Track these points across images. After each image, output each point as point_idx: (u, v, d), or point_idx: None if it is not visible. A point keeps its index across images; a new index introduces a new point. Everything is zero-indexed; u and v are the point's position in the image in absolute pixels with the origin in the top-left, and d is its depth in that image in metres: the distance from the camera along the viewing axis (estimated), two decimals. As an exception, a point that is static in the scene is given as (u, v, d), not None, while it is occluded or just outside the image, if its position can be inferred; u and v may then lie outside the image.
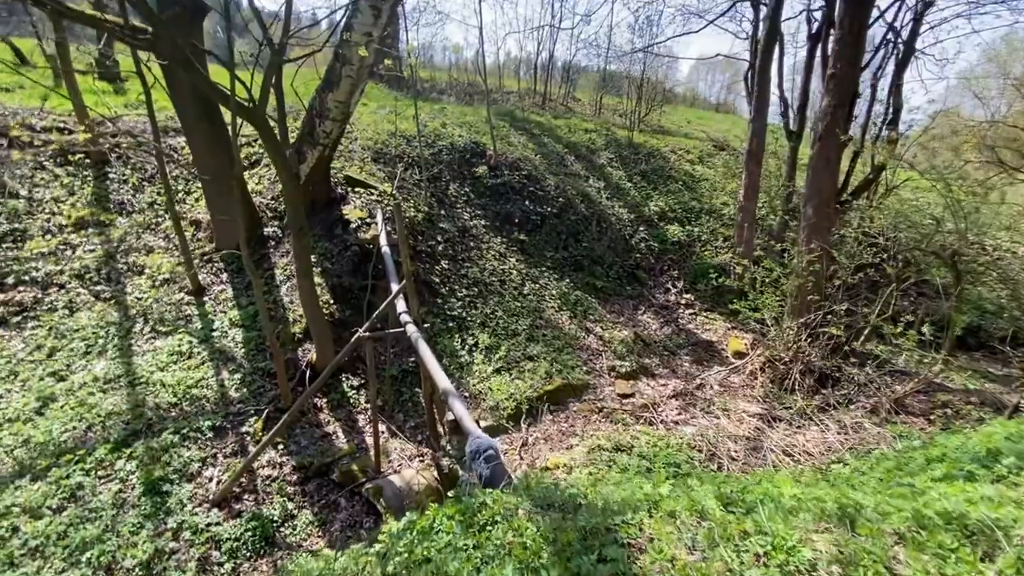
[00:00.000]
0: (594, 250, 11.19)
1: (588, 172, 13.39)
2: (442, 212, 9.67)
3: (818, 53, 11.49)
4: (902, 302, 8.75)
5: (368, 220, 7.83)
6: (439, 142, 11.21)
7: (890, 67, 11.66)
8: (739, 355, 9.29)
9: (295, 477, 5.28)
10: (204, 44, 7.45)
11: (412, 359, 7.06)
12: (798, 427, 6.86)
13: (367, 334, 4.67)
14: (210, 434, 5.49)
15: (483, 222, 10.27)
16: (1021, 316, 9.25)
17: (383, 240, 6.95)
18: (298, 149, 7.14)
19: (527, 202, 11.14)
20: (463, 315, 7.99)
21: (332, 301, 7.13)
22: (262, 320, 5.69)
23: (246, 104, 4.83)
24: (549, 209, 11.33)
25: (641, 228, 12.14)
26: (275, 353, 5.64)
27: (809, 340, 7.80)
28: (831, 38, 9.91)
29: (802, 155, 12.34)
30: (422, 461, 5.56)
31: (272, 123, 5.32)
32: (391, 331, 4.84)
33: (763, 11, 11.48)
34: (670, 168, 14.68)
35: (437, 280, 8.22)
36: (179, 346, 6.53)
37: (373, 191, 8.47)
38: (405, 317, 4.91)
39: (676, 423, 7.12)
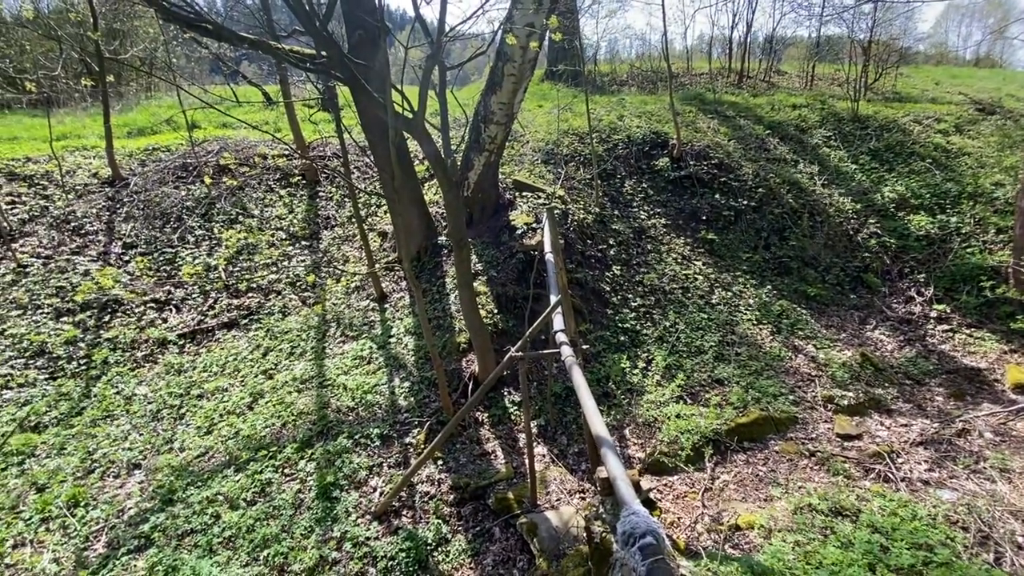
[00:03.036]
0: (805, 249, 9.26)
1: (797, 155, 11.24)
2: (616, 212, 8.88)
3: None
4: None
5: (534, 225, 7.47)
6: (614, 136, 10.41)
7: None
8: (1022, 389, 6.73)
9: (451, 497, 5.09)
10: (388, 63, 7.88)
11: (578, 376, 6.47)
12: None
13: (519, 354, 4.21)
14: (378, 442, 5.62)
15: (663, 221, 9.20)
16: None
17: (547, 246, 6.48)
18: (465, 157, 7.08)
19: (717, 195, 9.71)
20: (637, 328, 7.13)
21: (496, 311, 6.92)
22: (423, 329, 5.65)
23: (405, 114, 4.75)
24: (745, 202, 9.72)
25: (871, 220, 9.71)
26: (436, 363, 5.55)
27: None
28: None
29: None
30: (583, 499, 4.93)
31: (436, 134, 5.21)
32: (543, 352, 4.30)
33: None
34: (912, 142, 11.56)
35: (607, 288, 7.49)
36: (362, 351, 6.93)
37: (541, 194, 8.11)
38: (561, 336, 4.33)
39: (926, 483, 5.29)
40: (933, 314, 8.37)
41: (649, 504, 4.26)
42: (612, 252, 8.10)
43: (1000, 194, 9.76)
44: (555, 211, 7.80)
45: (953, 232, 9.32)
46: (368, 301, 7.90)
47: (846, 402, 6.46)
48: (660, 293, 7.85)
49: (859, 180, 10.57)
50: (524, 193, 8.17)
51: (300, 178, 10.09)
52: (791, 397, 6.51)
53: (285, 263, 8.76)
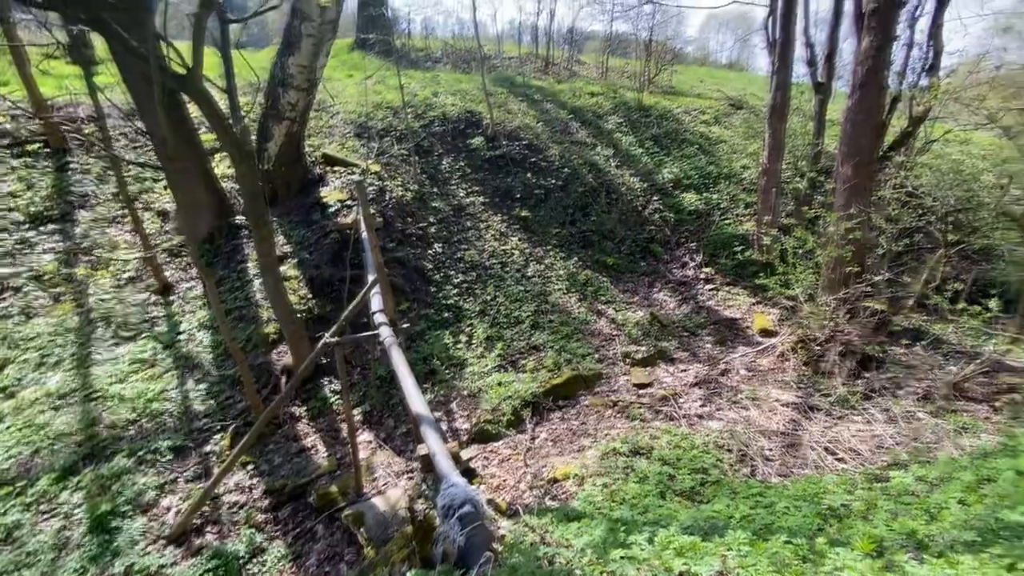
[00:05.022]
0: (604, 224, 10.29)
1: (595, 139, 12.37)
2: (435, 190, 8.82)
3: (849, -9, 10.22)
4: (944, 268, 7.81)
5: (349, 202, 7.03)
6: (429, 112, 10.28)
7: (929, 5, 10.35)
8: (766, 333, 8.44)
9: (266, 502, 4.63)
10: (154, 7, 6.58)
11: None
12: (839, 418, 6.05)
13: (334, 340, 3.93)
14: (170, 456, 4.84)
15: (481, 199, 9.41)
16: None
17: (363, 225, 6.16)
18: (262, 126, 6.33)
19: (529, 174, 10.24)
20: (459, 304, 7.22)
21: (311, 295, 6.40)
22: (219, 321, 4.97)
23: (177, 71, 4.03)
24: (553, 181, 10.42)
25: (655, 198, 11.17)
26: (238, 358, 4.93)
27: (848, 317, 6.93)
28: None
29: (829, 111, 11.22)
30: (411, 479, 4.87)
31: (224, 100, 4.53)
32: (361, 335, 4.09)
33: (785, -55, 10.19)
34: (684, 131, 13.56)
35: (430, 266, 7.44)
36: (142, 353, 5.87)
37: (355, 169, 7.65)
38: (379, 317, 4.15)
39: (700, 417, 6.34)
40: (702, 276, 10.01)
41: (470, 473, 4.37)
42: (433, 230, 8.05)
43: (747, 175, 11.99)
44: (371, 187, 7.44)
45: (714, 207, 11.21)
46: (147, 294, 6.69)
47: (640, 356, 7.39)
48: (481, 269, 8.04)
49: (645, 162, 12.06)
50: (336, 168, 7.62)
51: (41, 146, 8.04)
52: (596, 356, 7.24)
53: (24, 252, 6.96)
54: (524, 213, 9.58)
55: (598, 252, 9.76)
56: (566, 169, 10.73)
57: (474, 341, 6.76)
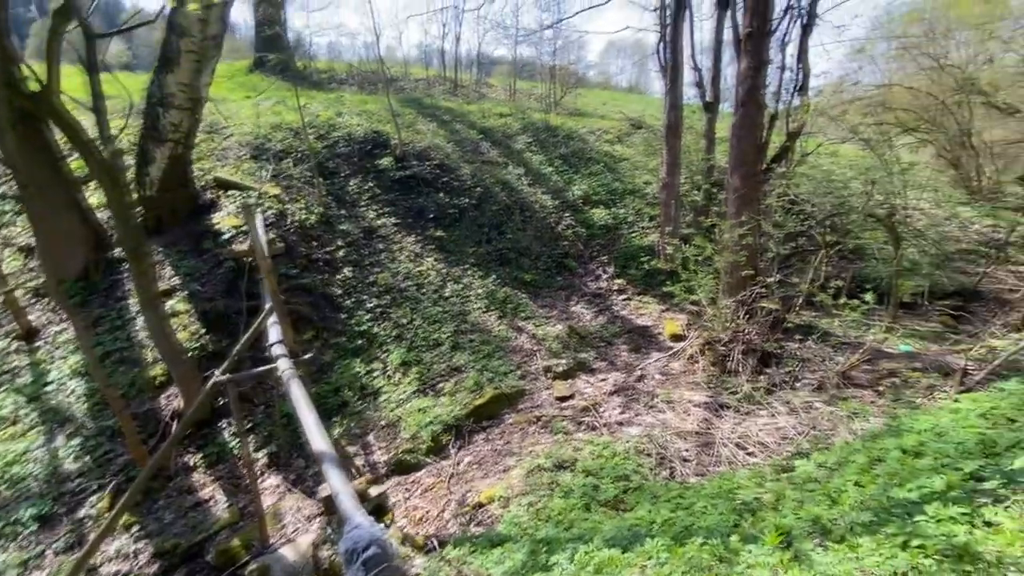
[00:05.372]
0: (519, 241, 10.39)
1: (506, 158, 12.55)
2: (342, 212, 8.48)
3: (727, 20, 11.19)
4: (826, 268, 8.60)
5: (244, 228, 6.57)
6: (333, 133, 9.94)
7: (795, 33, 11.57)
8: (676, 338, 8.82)
9: (155, 567, 4.09)
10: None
11: (313, 388, 5.95)
12: (746, 413, 6.39)
13: (224, 377, 3.57)
14: (35, 526, 4.18)
15: (392, 220, 9.17)
16: (934, 271, 9.38)
17: (263, 252, 5.76)
18: (142, 149, 5.79)
19: (441, 194, 10.15)
20: (373, 329, 6.92)
21: (204, 330, 5.86)
22: (91, 366, 4.40)
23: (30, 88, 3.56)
24: (467, 200, 10.39)
25: (566, 214, 11.46)
26: (115, 406, 4.38)
27: (747, 317, 7.39)
28: (739, 1, 9.63)
29: (718, 129, 12.12)
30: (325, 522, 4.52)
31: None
32: (255, 371, 3.75)
33: (669, -22, 11.01)
34: (590, 150, 14.12)
35: (339, 291, 7.09)
36: (-2, 409, 5.07)
37: (251, 193, 7.18)
38: (277, 349, 3.84)
39: (620, 424, 6.46)
40: (615, 287, 10.35)
41: (381, 510, 4.12)
42: (342, 254, 7.70)
43: (649, 190, 12.65)
44: (269, 211, 7.01)
45: (622, 221, 11.69)
46: (8, 341, 5.84)
47: (560, 368, 7.44)
48: (395, 291, 7.79)
49: (555, 180, 12.38)
50: (230, 192, 7.11)
51: None
52: (519, 372, 7.20)
53: None
54: (439, 233, 9.46)
55: (516, 269, 9.81)
56: (479, 188, 10.76)
57: (390, 367, 6.49)
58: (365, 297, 7.36)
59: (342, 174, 9.27)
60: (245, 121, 9.50)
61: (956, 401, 4.76)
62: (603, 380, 7.53)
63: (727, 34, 11.58)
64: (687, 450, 5.74)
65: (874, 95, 14.78)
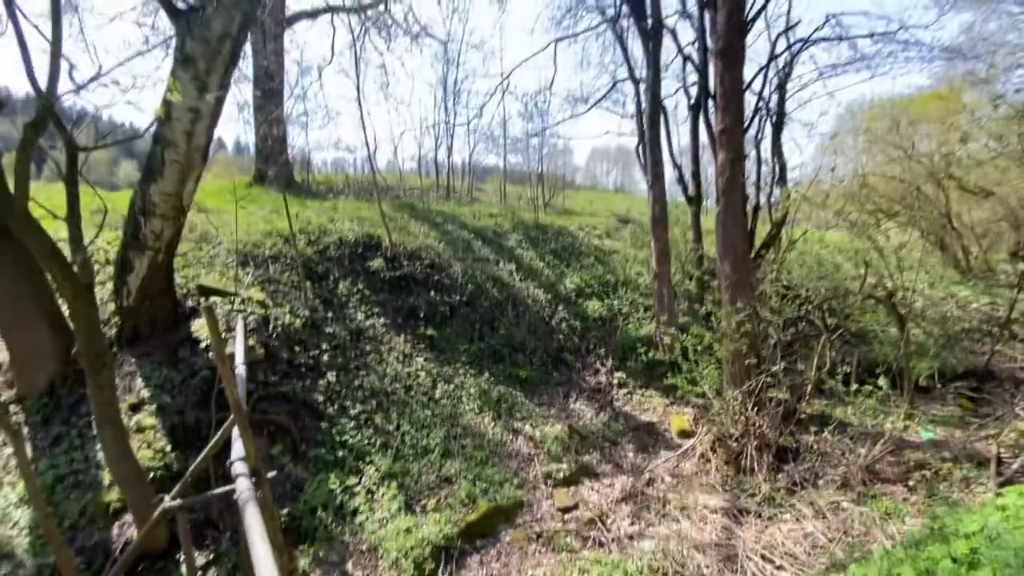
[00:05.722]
0: (514, 337, 10.12)
1: (498, 255, 12.64)
2: (329, 315, 8.28)
3: (701, 121, 11.85)
4: (831, 353, 8.30)
5: (227, 336, 6.31)
6: (325, 238, 10.02)
7: (768, 130, 12.22)
8: (684, 434, 8.27)
9: None
10: None
11: (286, 509, 5.36)
12: (769, 518, 5.76)
13: (174, 503, 3.12)
14: None
15: (382, 320, 8.96)
16: (941, 351, 9.08)
17: (240, 358, 5.44)
18: (122, 258, 5.69)
19: (433, 292, 10.03)
20: (356, 440, 6.42)
21: (170, 447, 5.38)
22: (29, 492, 3.90)
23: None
24: (458, 298, 10.26)
25: (560, 307, 11.31)
26: (51, 539, 3.81)
27: (756, 409, 6.96)
28: (711, 105, 10.24)
29: (704, 222, 12.38)
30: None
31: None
32: (208, 494, 3.31)
33: (642, 86, 11.80)
34: (580, 244, 14.34)
35: (321, 399, 6.68)
36: (-77, 550, 4.48)
37: (233, 299, 7.01)
38: (238, 467, 3.41)
39: (631, 537, 5.79)
40: (615, 381, 9.92)
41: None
42: (326, 358, 7.39)
43: (642, 281, 12.64)
44: (252, 316, 6.80)
45: (617, 312, 11.53)
46: (-48, 468, 5.33)
47: (561, 475, 6.86)
48: (382, 395, 7.38)
49: (547, 275, 12.39)
50: (212, 299, 6.95)
51: None
52: (516, 481, 6.61)
53: None
54: (430, 332, 9.20)
55: (510, 366, 9.45)
56: (471, 285, 10.69)
57: (373, 481, 5.92)
58: (349, 403, 6.94)
59: (332, 277, 9.21)
60: (239, 230, 9.58)
61: (999, 496, 4.26)
62: (609, 486, 6.92)
63: (703, 137, 12.27)
64: (708, 566, 5.09)
65: (851, 184, 15.38)
